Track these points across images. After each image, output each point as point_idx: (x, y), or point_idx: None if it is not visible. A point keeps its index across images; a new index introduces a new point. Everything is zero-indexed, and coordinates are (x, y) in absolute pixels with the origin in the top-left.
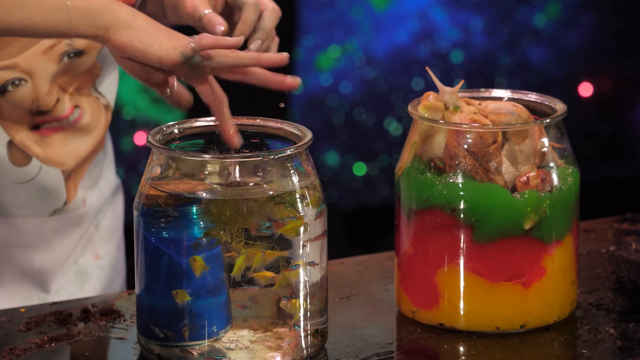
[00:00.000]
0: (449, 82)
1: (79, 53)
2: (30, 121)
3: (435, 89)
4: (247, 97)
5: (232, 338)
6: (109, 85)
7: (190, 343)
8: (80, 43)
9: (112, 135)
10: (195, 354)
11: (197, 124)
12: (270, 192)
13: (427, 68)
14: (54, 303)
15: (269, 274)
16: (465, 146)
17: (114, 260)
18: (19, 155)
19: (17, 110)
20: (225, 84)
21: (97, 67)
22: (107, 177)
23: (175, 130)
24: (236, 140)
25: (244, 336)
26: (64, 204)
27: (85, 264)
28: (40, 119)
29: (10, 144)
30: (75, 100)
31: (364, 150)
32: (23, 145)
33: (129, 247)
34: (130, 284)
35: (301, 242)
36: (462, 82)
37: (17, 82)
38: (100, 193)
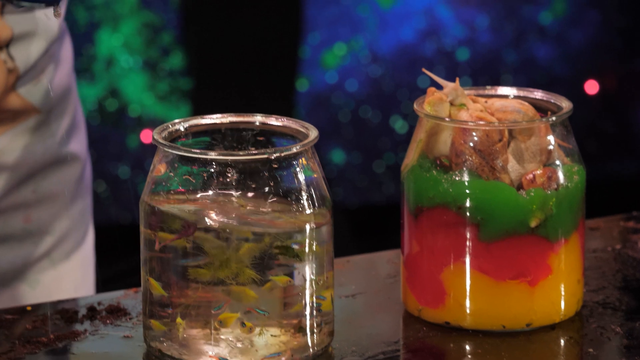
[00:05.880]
0: (455, 80)
1: None
2: None
3: (439, 87)
4: (250, 95)
5: (235, 336)
6: (27, 52)
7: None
8: None
9: (118, 133)
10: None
11: (203, 121)
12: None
13: (424, 69)
14: (60, 301)
15: (285, 278)
16: (472, 144)
17: (49, 225)
18: None
19: None
20: (230, 82)
21: (5, 28)
22: (47, 143)
23: (181, 128)
24: None
25: (249, 334)
26: None
27: (12, 224)
28: None
29: None
30: None
31: (369, 148)
32: None
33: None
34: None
35: (307, 241)
36: (457, 79)
37: None
38: (31, 156)
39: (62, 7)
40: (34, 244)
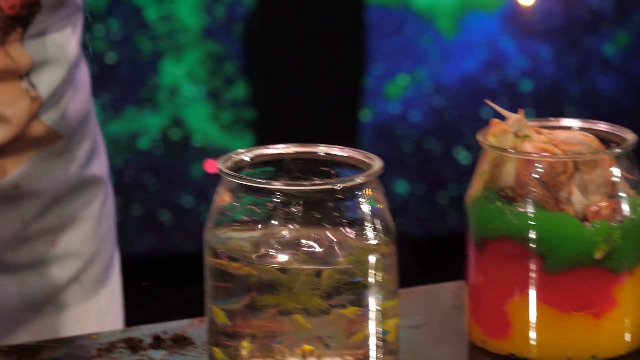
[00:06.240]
0: (518, 111)
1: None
2: None
3: (502, 119)
4: (313, 125)
5: None
6: (47, 79)
7: None
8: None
9: (182, 162)
10: None
11: (268, 151)
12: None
13: (486, 100)
14: (126, 329)
15: (354, 308)
16: (536, 175)
17: (76, 249)
18: None
19: None
20: (293, 112)
21: (26, 56)
22: (70, 168)
23: (246, 158)
24: None
25: None
26: None
27: (40, 249)
28: None
29: None
30: None
31: (433, 179)
32: None
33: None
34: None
35: (372, 271)
36: (521, 110)
37: None
38: (55, 182)
39: (78, 32)
40: (62, 268)
